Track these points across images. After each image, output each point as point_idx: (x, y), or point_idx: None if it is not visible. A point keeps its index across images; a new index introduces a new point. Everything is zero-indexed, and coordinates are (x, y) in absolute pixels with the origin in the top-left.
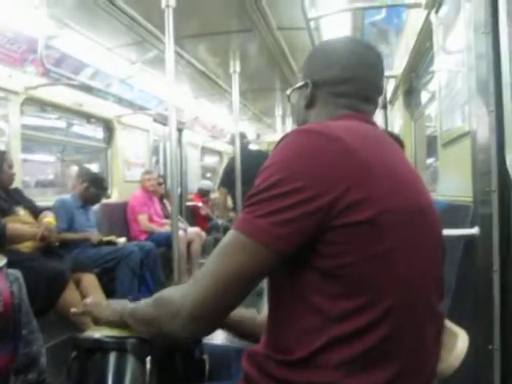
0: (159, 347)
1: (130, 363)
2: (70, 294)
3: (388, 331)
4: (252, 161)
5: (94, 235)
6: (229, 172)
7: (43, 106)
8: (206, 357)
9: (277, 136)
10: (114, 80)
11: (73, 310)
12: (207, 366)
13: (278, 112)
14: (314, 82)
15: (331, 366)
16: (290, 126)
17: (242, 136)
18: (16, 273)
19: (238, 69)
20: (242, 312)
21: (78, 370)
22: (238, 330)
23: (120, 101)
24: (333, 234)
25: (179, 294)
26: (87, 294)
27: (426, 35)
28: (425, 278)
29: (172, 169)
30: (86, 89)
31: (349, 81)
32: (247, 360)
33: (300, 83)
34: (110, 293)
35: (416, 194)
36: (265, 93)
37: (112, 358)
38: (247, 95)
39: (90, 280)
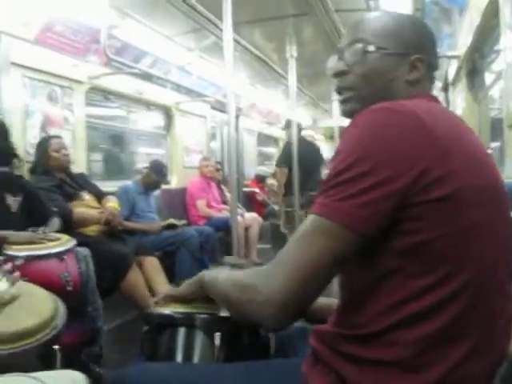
0: (227, 324)
1: (199, 338)
2: (134, 276)
3: (461, 309)
4: (305, 150)
5: (156, 225)
6: (286, 154)
7: (106, 94)
8: (270, 334)
9: (333, 121)
10: (173, 67)
11: (153, 299)
12: (272, 344)
13: (335, 96)
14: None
15: (403, 343)
16: None
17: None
18: (84, 251)
19: (294, 53)
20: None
21: (150, 344)
22: (313, 315)
23: (178, 88)
24: (413, 211)
25: (264, 281)
26: (150, 276)
27: (491, 13)
28: (497, 256)
29: (230, 155)
30: (146, 77)
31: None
32: (315, 337)
33: (393, 50)
34: (170, 276)
35: (489, 172)
36: (321, 77)
37: (181, 333)
38: (303, 80)
39: (152, 263)
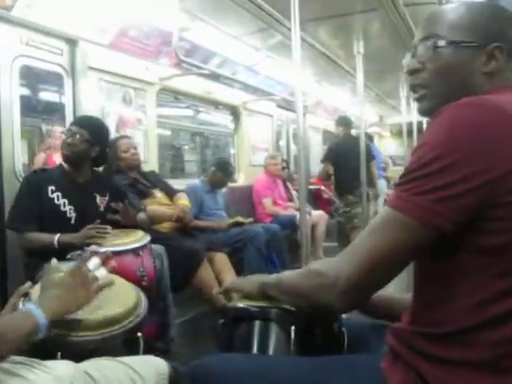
0: (301, 318)
1: (274, 332)
2: (205, 271)
3: None
4: (353, 147)
5: (224, 223)
6: (331, 150)
7: (176, 95)
8: (344, 330)
9: (401, 118)
10: (240, 67)
11: (215, 290)
12: (346, 340)
13: (403, 93)
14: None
15: (485, 344)
16: (414, 106)
17: (347, 121)
18: (159, 249)
19: (361, 50)
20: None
21: (225, 336)
22: (374, 309)
23: (245, 87)
24: (499, 211)
25: (332, 267)
26: (220, 271)
27: None
28: None
29: (299, 153)
30: (214, 77)
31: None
32: (392, 335)
33: (467, 42)
34: (239, 272)
35: None
36: (389, 73)
37: (257, 326)
38: (370, 76)
39: (222, 259)
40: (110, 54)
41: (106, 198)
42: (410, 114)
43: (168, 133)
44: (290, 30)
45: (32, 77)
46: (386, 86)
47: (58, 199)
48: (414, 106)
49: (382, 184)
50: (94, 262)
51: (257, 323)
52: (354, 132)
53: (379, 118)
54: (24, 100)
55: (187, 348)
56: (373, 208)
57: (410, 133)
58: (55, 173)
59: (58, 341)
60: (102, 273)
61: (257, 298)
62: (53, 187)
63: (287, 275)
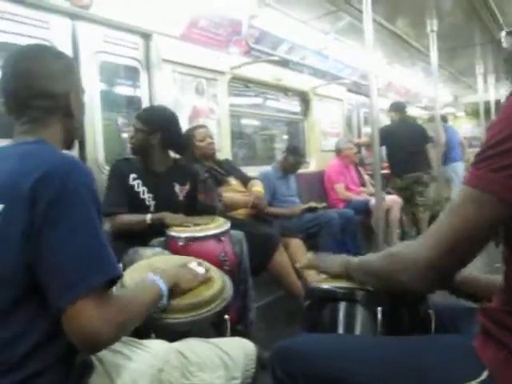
0: (387, 300)
1: (360, 313)
2: (281, 256)
3: None
4: (407, 130)
5: (297, 209)
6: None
7: (246, 83)
8: (431, 312)
9: (478, 97)
10: (309, 52)
11: (298, 264)
12: (433, 321)
13: (479, 70)
14: None
15: None
16: (492, 84)
17: (400, 106)
18: (239, 234)
19: (435, 27)
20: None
21: (311, 318)
22: (461, 289)
23: (315, 72)
24: None
25: (412, 248)
26: (295, 257)
27: None
28: None
29: (372, 138)
30: (284, 63)
31: None
32: (483, 315)
33: None
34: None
35: None
36: (463, 50)
37: (342, 307)
38: (443, 55)
39: (297, 244)
40: (181, 45)
41: (186, 188)
42: (487, 92)
43: (239, 121)
44: (359, 11)
45: (110, 72)
46: (461, 63)
47: (138, 187)
48: (492, 83)
49: (458, 166)
50: (193, 264)
51: (342, 304)
52: (426, 114)
53: (453, 98)
54: (103, 95)
55: (264, 332)
56: (433, 192)
57: (487, 112)
58: (136, 162)
59: (153, 323)
60: (201, 271)
61: (338, 277)
62: (134, 175)
63: (369, 257)
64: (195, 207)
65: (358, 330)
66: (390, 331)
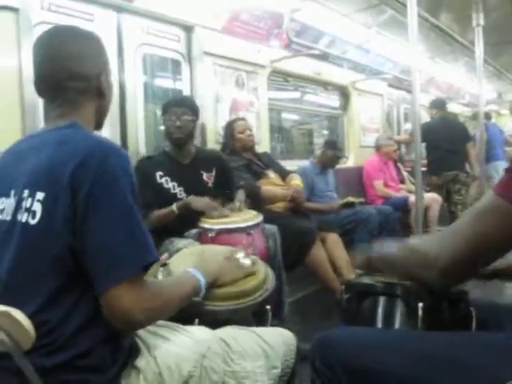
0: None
1: (400, 308)
2: (318, 251)
3: None
4: (447, 128)
5: (335, 204)
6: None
7: (286, 76)
8: (472, 309)
9: None
10: (350, 46)
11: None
12: (474, 318)
13: None
14: None
15: None
16: None
17: (440, 103)
18: (272, 228)
19: (481, 21)
20: None
21: (350, 311)
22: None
23: (355, 66)
24: None
25: (433, 247)
26: (332, 251)
27: None
28: None
29: (415, 136)
30: (324, 57)
31: None
32: None
33: None
34: (350, 253)
35: None
36: (509, 45)
37: (382, 302)
38: (488, 50)
39: (334, 239)
40: (223, 38)
41: (213, 174)
42: None
43: (278, 115)
44: (402, 4)
45: (152, 64)
46: (506, 59)
47: (167, 183)
48: None
49: (500, 165)
50: (241, 255)
51: (382, 299)
52: (468, 110)
53: (497, 95)
54: (145, 87)
55: (301, 325)
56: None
57: None
58: (160, 158)
59: (197, 309)
60: (247, 262)
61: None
62: (161, 172)
63: (399, 246)
64: (227, 192)
65: (397, 325)
66: (430, 327)
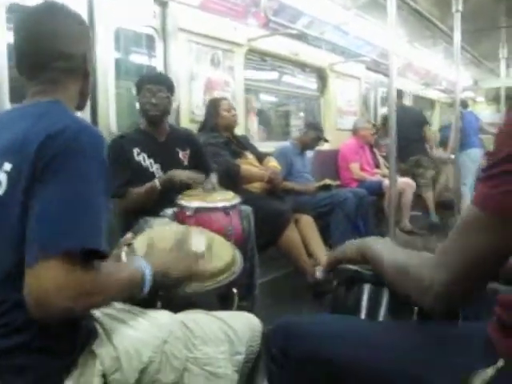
0: None
1: (386, 297)
2: (291, 232)
3: None
4: (405, 117)
5: (312, 186)
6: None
7: (263, 56)
8: None
9: (500, 82)
10: (329, 27)
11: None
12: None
13: (503, 54)
14: None
15: None
16: None
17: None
18: (247, 209)
19: (460, 7)
20: None
21: (336, 299)
22: None
23: (333, 48)
24: None
25: (428, 270)
26: (305, 233)
27: None
28: None
29: (391, 120)
30: (302, 37)
31: None
32: (499, 305)
33: None
34: (324, 237)
35: None
36: (487, 33)
37: (367, 290)
38: (466, 37)
39: (308, 221)
40: (199, 14)
41: (188, 152)
42: (509, 77)
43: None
44: None
45: (124, 39)
46: (484, 47)
47: (144, 160)
48: None
49: (475, 153)
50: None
51: (367, 287)
52: (444, 96)
53: (473, 82)
54: (117, 62)
55: (269, 308)
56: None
57: (509, 98)
58: (135, 135)
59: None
60: (200, 248)
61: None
62: (137, 149)
63: (388, 260)
64: (201, 171)
65: (381, 315)
66: (419, 316)
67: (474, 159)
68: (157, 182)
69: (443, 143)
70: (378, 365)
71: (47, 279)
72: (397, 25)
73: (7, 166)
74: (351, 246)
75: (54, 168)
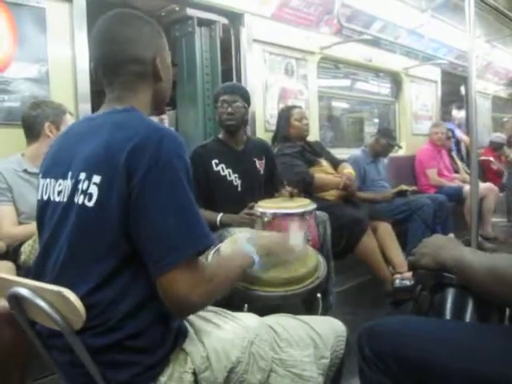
0: None
1: (471, 300)
2: (368, 240)
3: None
4: None
5: (388, 193)
6: None
7: (336, 63)
8: None
9: None
10: (403, 31)
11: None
12: None
13: None
14: None
15: None
16: None
17: None
18: (323, 215)
19: None
20: None
21: (421, 303)
22: None
23: (408, 52)
24: None
25: None
26: (383, 241)
27: None
28: None
29: (470, 122)
30: (375, 43)
31: None
32: None
33: None
34: (402, 243)
35: None
36: None
37: (451, 293)
38: None
39: (385, 228)
40: (272, 25)
41: (263, 161)
42: None
43: (328, 103)
44: None
45: None
46: None
47: (223, 171)
48: None
49: None
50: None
51: (452, 291)
52: None
53: None
54: None
55: (348, 316)
56: None
57: None
58: (213, 146)
59: (246, 294)
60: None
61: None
62: (216, 160)
63: (479, 263)
64: (274, 181)
65: (467, 319)
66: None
67: None
68: (218, 219)
69: None
70: (467, 365)
71: (181, 283)
72: (475, 24)
73: (96, 179)
74: (424, 255)
75: (150, 185)
